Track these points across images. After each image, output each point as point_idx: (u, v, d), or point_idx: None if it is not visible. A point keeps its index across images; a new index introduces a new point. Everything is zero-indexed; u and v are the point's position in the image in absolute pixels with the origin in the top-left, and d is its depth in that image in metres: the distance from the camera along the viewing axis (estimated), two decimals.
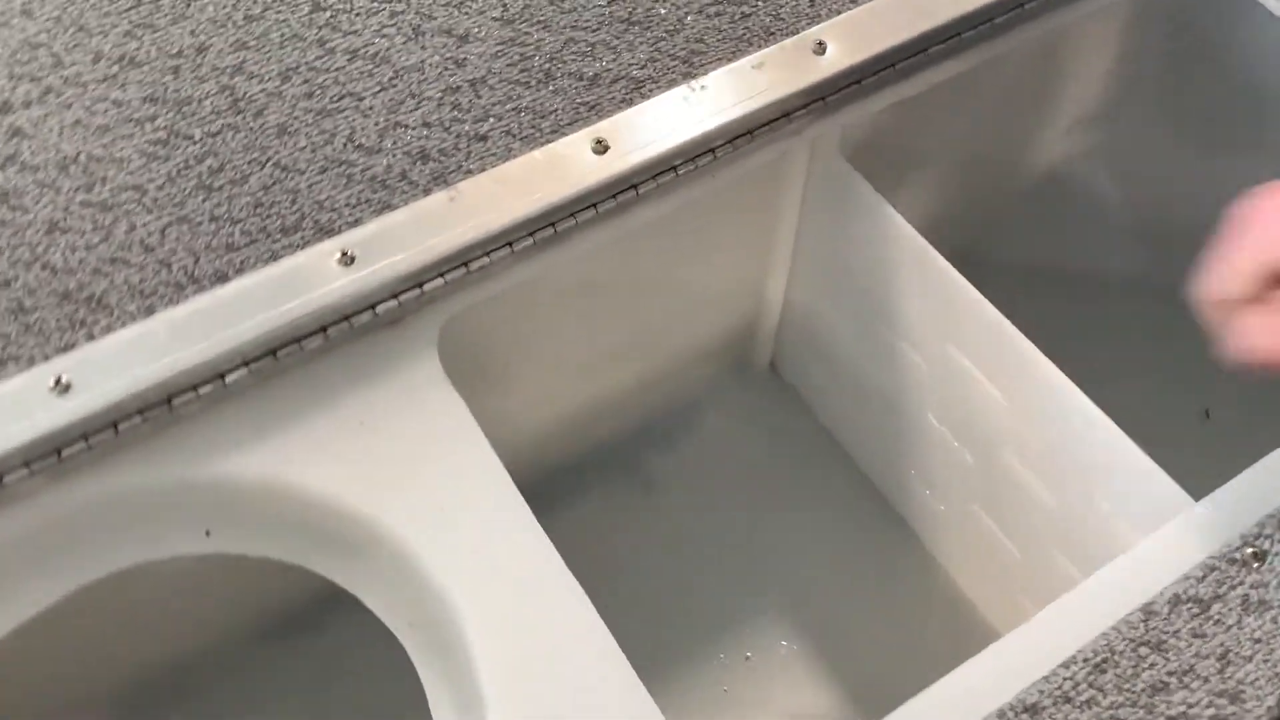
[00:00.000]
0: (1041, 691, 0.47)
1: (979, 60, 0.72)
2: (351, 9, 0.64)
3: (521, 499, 0.55)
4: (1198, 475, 0.92)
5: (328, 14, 0.64)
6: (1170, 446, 0.94)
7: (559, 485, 0.88)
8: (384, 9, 0.64)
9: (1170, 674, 0.48)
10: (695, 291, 0.85)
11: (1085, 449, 0.66)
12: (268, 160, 0.58)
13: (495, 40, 0.63)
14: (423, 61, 0.62)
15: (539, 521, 0.54)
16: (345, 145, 0.59)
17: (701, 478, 0.92)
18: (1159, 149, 0.96)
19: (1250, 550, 0.51)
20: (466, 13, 0.64)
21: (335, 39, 0.63)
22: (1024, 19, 0.72)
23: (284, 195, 0.57)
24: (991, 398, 0.71)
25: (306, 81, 0.61)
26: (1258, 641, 0.49)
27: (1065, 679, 0.48)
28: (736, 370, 0.96)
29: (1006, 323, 0.67)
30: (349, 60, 0.62)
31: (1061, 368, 0.65)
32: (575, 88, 0.62)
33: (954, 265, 0.70)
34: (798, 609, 0.86)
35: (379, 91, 0.61)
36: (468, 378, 0.59)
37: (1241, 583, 0.50)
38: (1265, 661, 0.48)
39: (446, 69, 0.62)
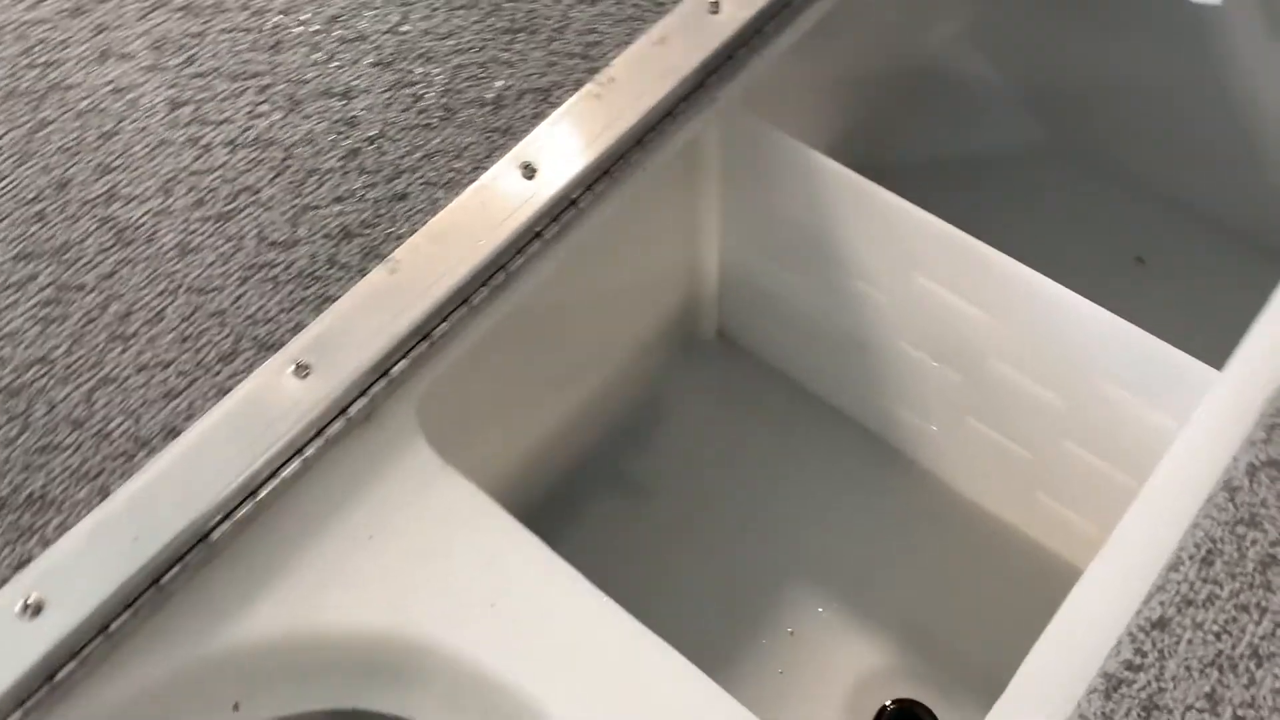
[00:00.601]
0: (1162, 603, 0.45)
1: None
2: (213, 95, 0.57)
3: (567, 565, 0.50)
4: (1142, 317, 0.94)
5: (189, 108, 0.57)
6: (1111, 295, 0.96)
7: (554, 511, 0.84)
8: (248, 86, 0.57)
9: (1275, 544, 0.47)
10: (634, 281, 0.81)
11: (1078, 341, 0.64)
12: (179, 287, 0.52)
13: (380, 88, 0.58)
14: (310, 132, 0.56)
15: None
16: (258, 246, 0.53)
17: (686, 467, 0.89)
18: (1029, 19, 0.96)
19: None
20: (339, 65, 0.58)
21: (207, 133, 0.56)
22: None
23: (210, 321, 0.51)
24: (965, 313, 0.69)
25: (191, 189, 0.54)
26: None
27: (1179, 583, 0.46)
28: (685, 347, 0.93)
29: (965, 235, 0.65)
30: (230, 152, 0.56)
31: (995, 246, 0.64)
32: (481, 116, 0.57)
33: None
34: (820, 570, 0.84)
35: (274, 178, 0.55)
36: (453, 441, 0.55)
37: None
38: None
39: (338, 133, 0.56)
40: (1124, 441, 0.67)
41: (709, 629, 0.81)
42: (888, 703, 0.78)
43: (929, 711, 0.77)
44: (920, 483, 0.87)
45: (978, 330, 0.70)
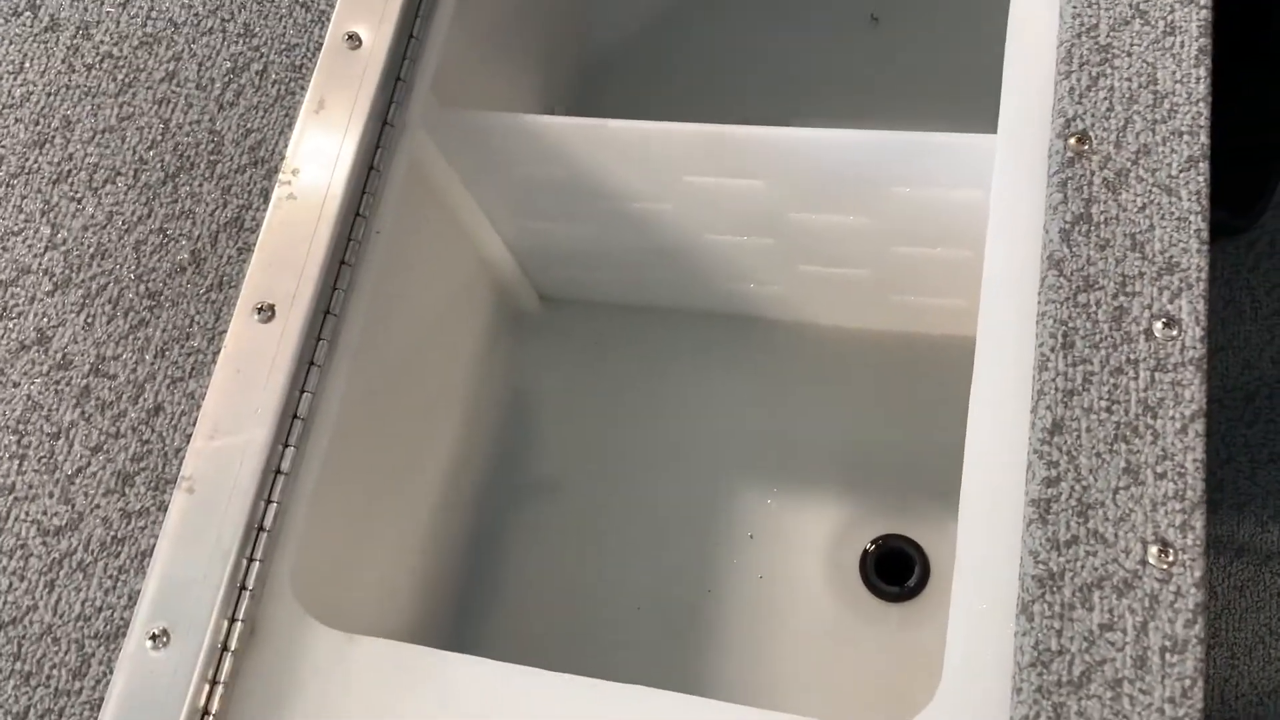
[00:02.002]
0: (1048, 407, 0.46)
1: None
2: None
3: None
4: (875, 75, 0.94)
5: None
6: (847, 52, 0.96)
7: (485, 546, 0.82)
8: None
9: (1115, 295, 0.47)
10: (439, 315, 0.77)
11: (853, 167, 0.63)
12: None
13: (72, 312, 0.52)
14: (29, 396, 0.51)
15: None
16: (45, 542, 0.48)
17: (578, 437, 0.87)
18: None
19: (1074, 139, 0.50)
20: (19, 313, 0.52)
21: None
22: None
23: (42, 644, 0.46)
24: (744, 188, 0.68)
25: None
26: (1142, 209, 0.48)
27: (1054, 378, 0.46)
28: (518, 331, 0.90)
29: (704, 126, 0.63)
30: None
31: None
32: (187, 283, 0.53)
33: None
34: (745, 463, 0.84)
35: (20, 464, 0.50)
36: (348, 582, 0.52)
37: (1093, 173, 0.49)
38: (1162, 216, 0.48)
39: (57, 382, 0.51)
40: (943, 227, 0.67)
41: (675, 571, 0.81)
42: (868, 545, 0.79)
43: (905, 539, 0.78)
44: (787, 334, 0.86)
45: (763, 197, 0.68)
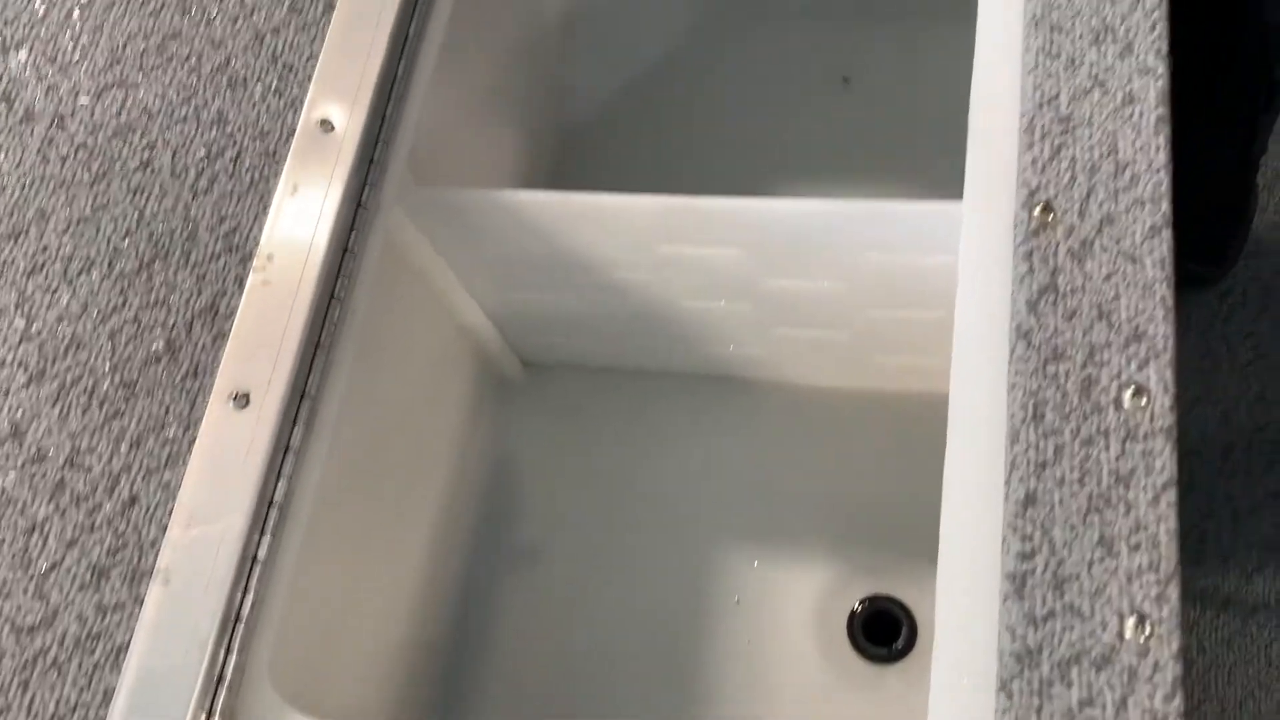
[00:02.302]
0: (1021, 479, 0.46)
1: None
2: None
3: None
4: (848, 133, 0.95)
5: None
6: (821, 113, 0.97)
7: (470, 617, 0.82)
8: None
9: (1084, 365, 0.47)
10: (420, 386, 0.77)
11: (825, 235, 0.64)
12: None
13: (47, 404, 0.52)
14: (2, 489, 0.51)
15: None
16: (19, 640, 0.48)
17: (563, 501, 0.87)
18: None
19: (1038, 209, 0.51)
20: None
21: None
22: None
23: None
24: (720, 256, 0.68)
25: None
26: (1108, 278, 0.49)
27: (1026, 450, 0.46)
28: (501, 395, 0.90)
29: (678, 199, 0.64)
30: None
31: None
32: (163, 372, 0.53)
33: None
34: (730, 526, 0.84)
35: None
36: (327, 664, 0.52)
37: (1058, 244, 0.50)
38: (1128, 285, 0.49)
39: (32, 474, 0.51)
40: (916, 290, 0.67)
41: (662, 638, 0.80)
42: (855, 607, 0.79)
43: (892, 600, 0.78)
44: (770, 395, 0.86)
45: (738, 264, 0.69)
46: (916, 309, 0.70)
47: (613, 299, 0.77)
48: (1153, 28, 0.54)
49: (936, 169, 0.64)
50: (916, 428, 0.82)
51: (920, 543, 0.73)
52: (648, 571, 0.83)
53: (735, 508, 0.84)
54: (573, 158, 0.99)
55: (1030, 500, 0.45)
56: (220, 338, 0.53)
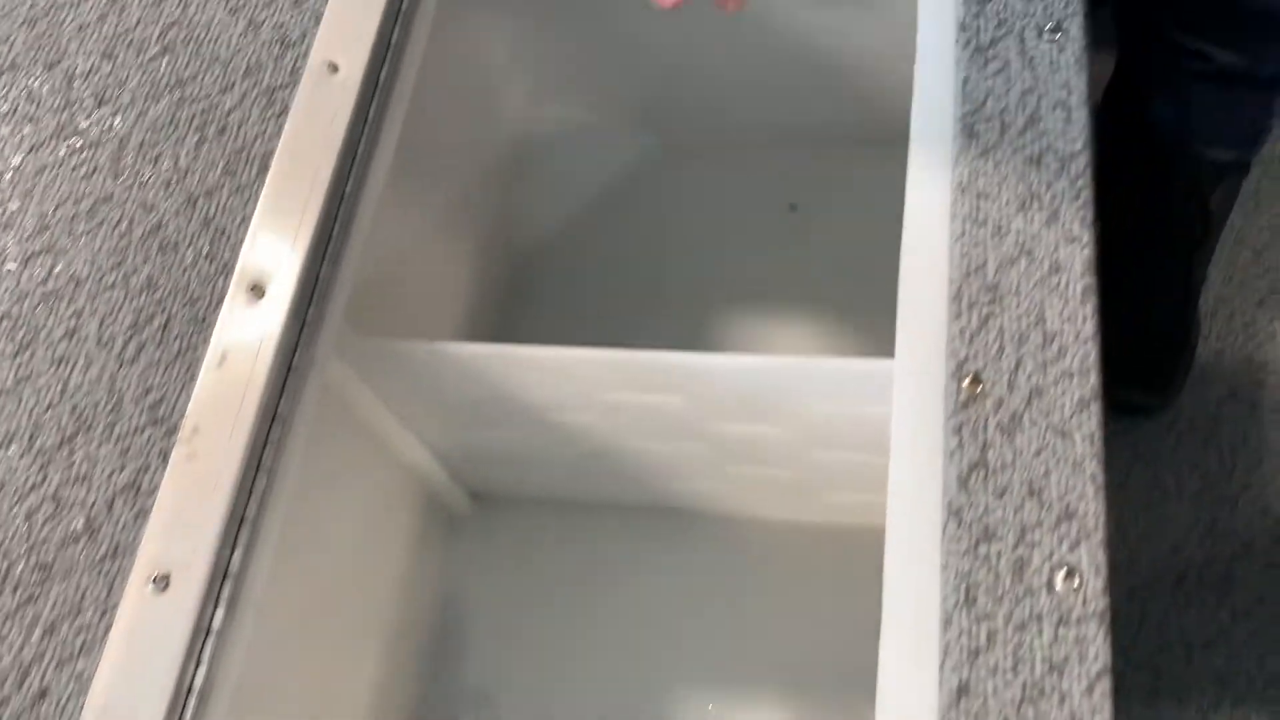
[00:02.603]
0: (954, 669, 0.45)
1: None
2: None
3: None
4: (793, 261, 0.96)
5: None
6: (769, 239, 0.98)
7: None
8: None
9: (1015, 547, 0.47)
10: (352, 532, 0.76)
11: (765, 386, 0.64)
12: None
13: None
14: None
15: None
16: None
17: (514, 639, 0.85)
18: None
19: (968, 380, 0.51)
20: None
21: None
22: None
23: None
24: (664, 403, 0.68)
25: None
26: (1038, 454, 0.49)
27: (959, 637, 0.46)
28: (451, 533, 0.89)
29: (618, 352, 0.63)
30: None
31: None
32: (81, 553, 0.51)
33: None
34: (682, 664, 0.82)
35: None
36: None
37: (988, 417, 0.50)
38: (1057, 461, 0.48)
39: None
40: (858, 435, 0.67)
41: None
42: None
43: None
44: (722, 529, 0.86)
45: (682, 411, 0.68)
46: (863, 453, 0.70)
47: (560, 439, 0.76)
48: (1077, 195, 0.54)
49: (888, 296, 0.64)
50: (872, 562, 0.82)
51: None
52: (601, 713, 0.81)
53: (690, 646, 0.82)
54: (524, 284, 0.99)
55: (964, 690, 0.44)
56: (142, 515, 0.52)
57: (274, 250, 0.59)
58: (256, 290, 0.58)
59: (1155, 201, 0.83)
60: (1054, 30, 0.58)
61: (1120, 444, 0.85)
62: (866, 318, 0.69)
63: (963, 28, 0.60)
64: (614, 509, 0.87)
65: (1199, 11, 0.76)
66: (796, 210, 0.98)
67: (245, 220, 0.60)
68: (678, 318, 0.94)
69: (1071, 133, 0.56)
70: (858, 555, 0.81)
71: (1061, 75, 0.57)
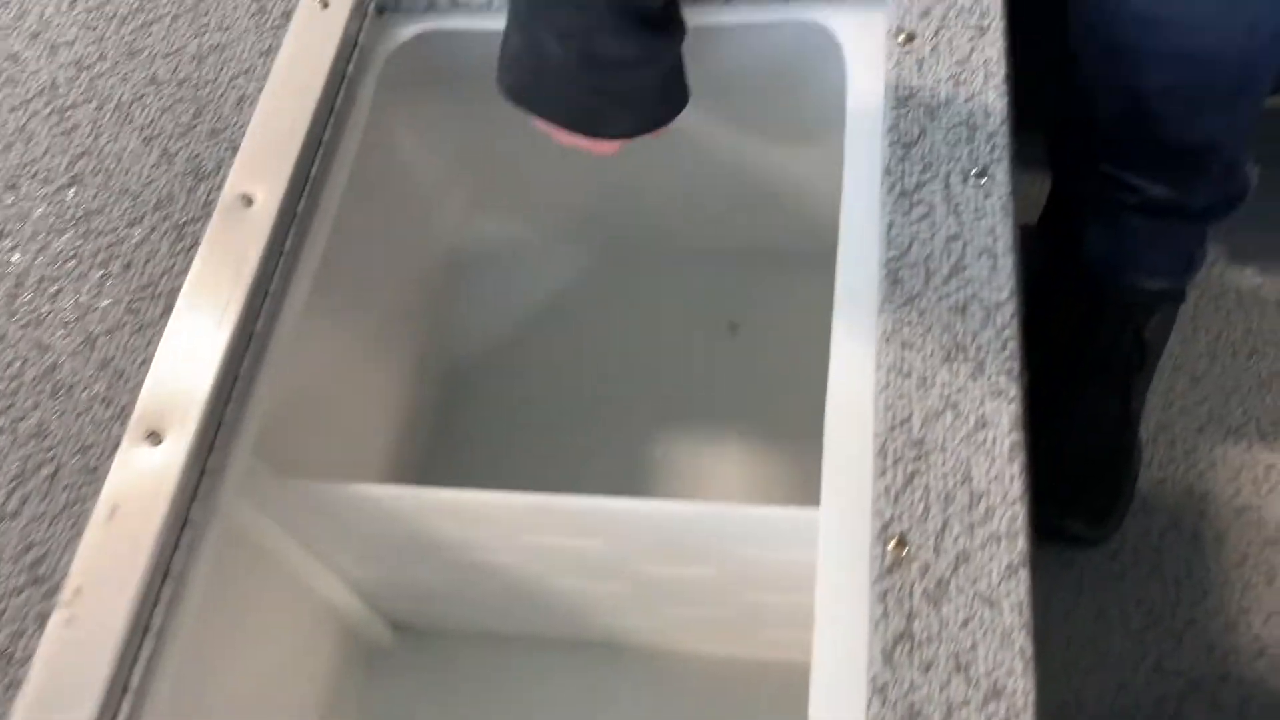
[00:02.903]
0: None
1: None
2: None
3: None
4: (733, 385, 0.94)
5: None
6: (708, 359, 0.96)
7: None
8: None
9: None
10: (261, 675, 0.72)
11: (687, 533, 0.62)
12: None
13: None
14: None
15: None
16: None
17: None
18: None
19: (893, 543, 0.49)
20: None
21: None
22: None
23: None
24: (585, 546, 0.65)
25: None
26: (964, 624, 0.46)
27: None
28: (371, 666, 0.85)
29: (533, 497, 0.61)
30: None
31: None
32: None
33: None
34: None
35: None
36: None
37: (913, 583, 0.48)
38: (985, 633, 0.46)
39: None
40: (785, 578, 0.65)
41: None
42: None
43: None
44: (656, 663, 0.82)
45: (604, 554, 0.66)
46: (794, 594, 0.67)
47: (483, 577, 0.73)
48: (1004, 346, 0.53)
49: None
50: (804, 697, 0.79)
51: None
52: None
53: None
54: (459, 401, 0.96)
55: None
56: (13, 687, 0.49)
57: (174, 393, 0.56)
58: (153, 437, 0.55)
59: (1090, 330, 0.83)
60: (979, 175, 0.58)
61: (1064, 576, 0.83)
62: (805, 444, 0.67)
63: (888, 171, 0.59)
64: (543, 642, 0.83)
65: (1129, 146, 0.77)
66: (737, 331, 0.96)
67: (146, 361, 0.57)
68: (614, 440, 0.91)
69: (997, 281, 0.55)
70: (799, 691, 0.79)
71: (987, 221, 0.57)
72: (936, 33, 0.63)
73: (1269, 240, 0.96)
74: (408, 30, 0.74)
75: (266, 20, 0.70)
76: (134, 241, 0.61)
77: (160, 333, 0.58)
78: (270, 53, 0.68)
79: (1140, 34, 0.70)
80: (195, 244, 0.61)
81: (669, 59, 0.60)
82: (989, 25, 0.62)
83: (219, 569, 0.58)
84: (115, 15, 0.70)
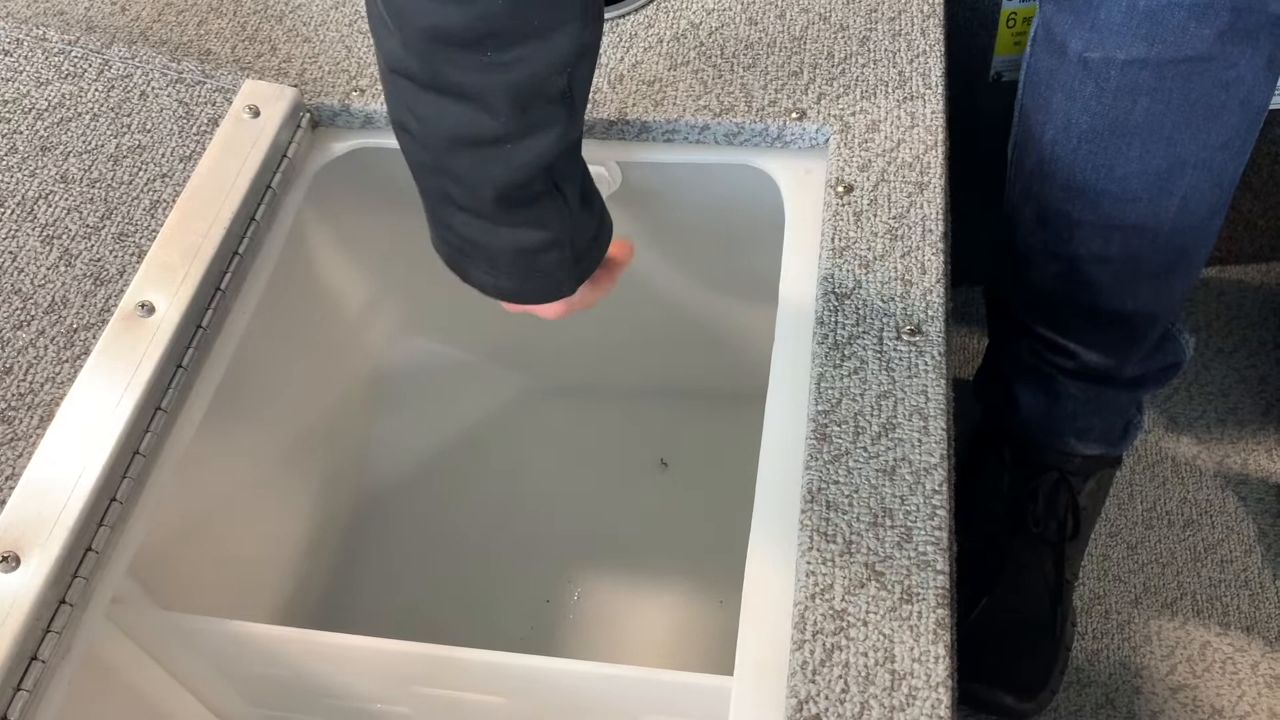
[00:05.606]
0: None
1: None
2: None
3: None
4: (663, 517, 0.91)
5: None
6: (638, 493, 0.93)
7: None
8: None
9: None
10: None
11: (606, 697, 0.57)
12: None
13: None
14: None
15: None
16: None
17: None
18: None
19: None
20: None
21: None
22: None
23: None
24: (484, 702, 0.60)
25: None
26: None
27: None
28: None
29: (421, 646, 0.56)
30: None
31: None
32: None
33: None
34: None
35: None
36: None
37: None
38: None
39: None
40: None
41: None
42: None
43: None
44: None
45: (506, 712, 0.61)
46: None
47: None
48: (932, 514, 0.50)
49: None
50: None
51: None
52: None
53: None
54: (369, 527, 0.91)
55: None
56: None
57: (40, 513, 0.51)
58: (10, 560, 0.50)
59: (1024, 494, 0.81)
60: (913, 333, 0.56)
61: None
62: (729, 595, 0.62)
63: (820, 321, 0.57)
64: None
65: (1064, 310, 0.76)
66: (667, 467, 0.93)
67: (14, 476, 0.53)
68: (530, 582, 0.87)
69: (928, 444, 0.52)
70: None
71: (919, 381, 0.55)
72: (875, 186, 0.62)
73: (1206, 410, 0.96)
74: (342, 145, 0.72)
75: (192, 125, 0.67)
76: (18, 346, 0.57)
77: (35, 445, 0.54)
78: (192, 158, 0.65)
79: (1074, 203, 0.70)
80: (86, 352, 0.57)
81: (581, 236, 0.52)
82: (929, 182, 0.62)
83: (72, 706, 0.52)
84: (33, 109, 0.67)
